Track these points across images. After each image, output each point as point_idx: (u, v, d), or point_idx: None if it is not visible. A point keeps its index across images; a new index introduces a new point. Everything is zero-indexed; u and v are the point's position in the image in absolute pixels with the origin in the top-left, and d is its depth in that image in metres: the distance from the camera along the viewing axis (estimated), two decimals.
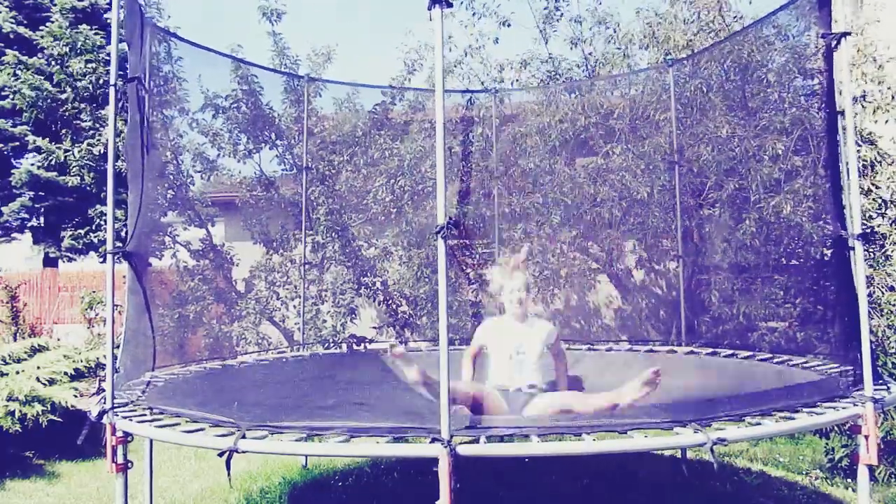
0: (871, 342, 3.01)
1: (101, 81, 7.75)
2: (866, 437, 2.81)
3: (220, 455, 2.48)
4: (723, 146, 5.84)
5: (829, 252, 5.35)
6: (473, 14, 8.16)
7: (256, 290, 7.16)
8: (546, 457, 2.52)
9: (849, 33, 3.06)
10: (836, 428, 4.69)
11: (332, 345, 6.34)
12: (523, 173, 6.85)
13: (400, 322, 7.13)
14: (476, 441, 2.50)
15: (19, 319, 10.46)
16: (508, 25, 8.07)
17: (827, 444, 4.88)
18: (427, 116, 7.22)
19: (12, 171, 17.25)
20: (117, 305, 3.34)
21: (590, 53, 7.83)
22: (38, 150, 15.02)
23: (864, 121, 6.52)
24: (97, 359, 6.29)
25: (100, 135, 7.90)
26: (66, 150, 7.78)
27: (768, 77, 5.82)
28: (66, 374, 5.83)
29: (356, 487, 4.64)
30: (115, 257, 3.22)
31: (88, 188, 7.97)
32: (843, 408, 2.86)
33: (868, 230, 5.94)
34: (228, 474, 2.49)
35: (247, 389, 4.12)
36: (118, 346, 3.44)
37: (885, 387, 3.17)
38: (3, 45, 17.20)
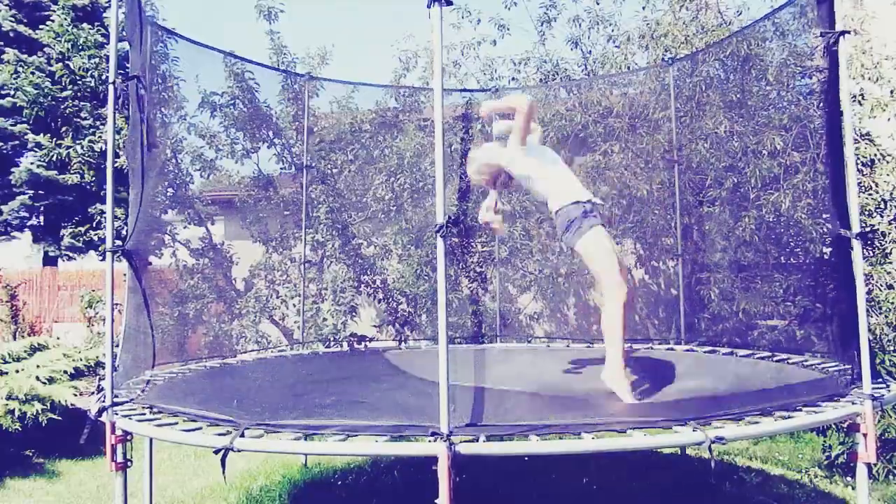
0: (870, 340, 3.01)
1: (103, 77, 7.74)
2: (864, 436, 2.81)
3: (216, 453, 2.48)
4: (722, 143, 5.84)
5: (828, 250, 5.37)
6: (463, 17, 8.17)
7: (256, 289, 7.16)
8: (545, 456, 2.52)
9: (848, 31, 3.06)
10: (833, 426, 4.69)
11: (332, 343, 6.33)
12: None
13: (400, 320, 7.12)
14: (476, 439, 2.51)
15: (19, 318, 10.46)
16: (507, 30, 8.07)
17: (825, 441, 4.88)
18: (425, 115, 7.21)
19: (12, 170, 17.24)
20: (117, 304, 3.34)
21: (589, 52, 7.82)
22: (38, 146, 15.00)
23: (863, 118, 6.50)
24: (97, 357, 6.29)
25: (101, 132, 7.90)
26: (67, 147, 7.77)
27: (767, 75, 5.81)
28: (65, 372, 5.82)
29: (356, 485, 4.65)
30: (115, 255, 3.22)
31: (88, 186, 7.98)
32: (842, 406, 2.87)
33: (867, 228, 5.94)
34: (223, 472, 2.50)
35: (246, 388, 4.13)
36: (118, 345, 3.44)
37: (883, 385, 3.17)
38: (2, 43, 17.19)
